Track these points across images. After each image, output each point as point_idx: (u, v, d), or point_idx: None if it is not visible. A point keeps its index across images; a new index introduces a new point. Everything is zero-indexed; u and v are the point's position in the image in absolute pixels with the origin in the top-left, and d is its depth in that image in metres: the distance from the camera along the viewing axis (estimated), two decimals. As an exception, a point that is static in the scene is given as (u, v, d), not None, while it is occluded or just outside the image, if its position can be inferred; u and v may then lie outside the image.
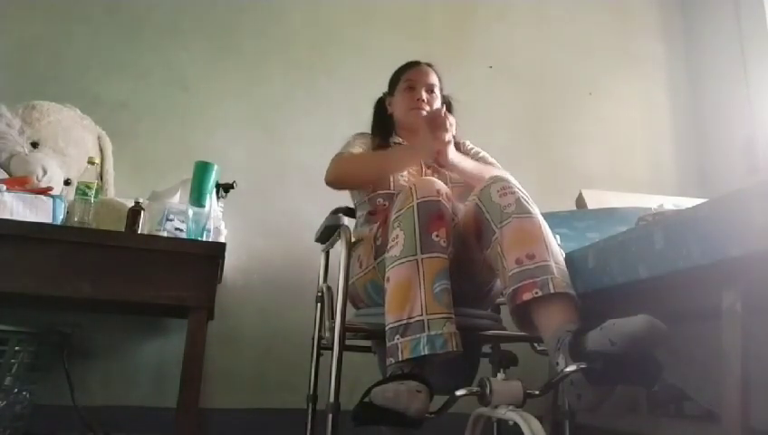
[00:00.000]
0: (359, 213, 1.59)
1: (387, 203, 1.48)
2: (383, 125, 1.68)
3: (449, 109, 1.69)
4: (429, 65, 1.66)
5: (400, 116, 1.64)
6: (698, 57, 2.76)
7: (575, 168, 2.48)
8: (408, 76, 1.63)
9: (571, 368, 0.92)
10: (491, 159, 1.64)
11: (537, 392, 0.98)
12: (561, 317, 1.04)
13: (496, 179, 1.23)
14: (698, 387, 1.36)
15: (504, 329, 1.38)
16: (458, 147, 1.64)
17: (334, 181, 1.52)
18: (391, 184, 1.50)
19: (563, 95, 2.60)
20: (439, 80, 1.66)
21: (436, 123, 1.39)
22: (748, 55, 2.46)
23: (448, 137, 1.39)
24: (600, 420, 1.64)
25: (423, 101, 1.59)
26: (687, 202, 1.75)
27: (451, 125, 1.40)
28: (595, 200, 2.08)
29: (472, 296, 1.31)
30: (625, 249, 1.14)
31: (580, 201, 2.12)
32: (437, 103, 1.63)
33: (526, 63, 2.58)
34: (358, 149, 1.57)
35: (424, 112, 1.57)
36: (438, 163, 1.45)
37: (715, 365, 1.06)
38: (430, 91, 1.62)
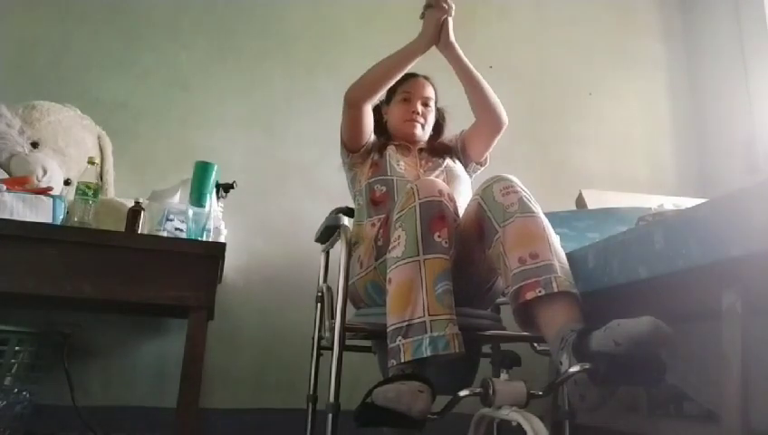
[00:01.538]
0: (358, 202, 1.59)
1: (385, 188, 1.49)
2: (378, 131, 1.69)
3: (442, 122, 1.75)
4: (426, 78, 1.69)
5: (395, 126, 1.66)
6: (698, 57, 2.76)
7: (575, 168, 2.48)
8: (406, 88, 1.65)
9: (576, 368, 0.92)
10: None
11: (540, 393, 0.98)
12: (565, 316, 1.04)
13: (499, 179, 1.23)
14: (698, 387, 1.36)
15: (504, 329, 1.38)
16: (447, 146, 1.67)
17: (354, 91, 1.54)
18: (388, 170, 1.52)
19: (563, 95, 2.60)
20: (435, 92, 1.69)
21: None
22: (748, 55, 2.46)
23: (450, 11, 1.50)
24: (600, 420, 1.64)
25: (418, 113, 1.62)
26: (687, 202, 1.75)
27: (450, 7, 1.50)
28: (595, 200, 2.08)
29: (471, 296, 1.31)
30: (625, 249, 1.14)
31: (580, 201, 2.12)
32: (432, 117, 1.68)
33: (526, 63, 2.58)
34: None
35: (418, 125, 1.63)
36: (441, 40, 1.54)
37: (715, 365, 1.06)
38: (425, 104, 1.65)
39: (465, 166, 1.65)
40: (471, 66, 1.56)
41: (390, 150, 1.58)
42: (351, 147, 1.59)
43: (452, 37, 1.54)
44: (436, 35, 1.53)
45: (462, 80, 1.56)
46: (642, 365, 0.90)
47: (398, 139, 1.65)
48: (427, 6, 1.52)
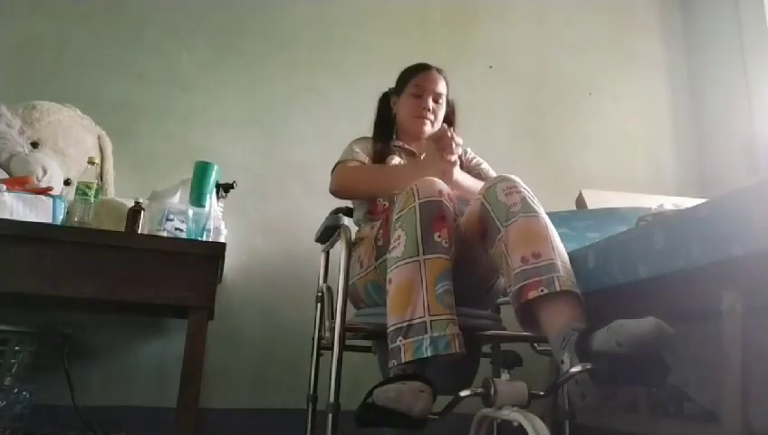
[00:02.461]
0: (357, 212, 1.59)
1: (387, 203, 1.48)
2: (385, 123, 1.68)
3: (452, 114, 1.70)
4: (440, 71, 1.65)
5: (404, 120, 1.64)
6: (698, 57, 2.76)
7: (575, 168, 2.48)
8: (418, 81, 1.61)
9: (577, 368, 0.91)
10: (492, 173, 1.64)
11: (542, 393, 0.98)
12: (567, 316, 1.04)
13: (502, 179, 1.23)
14: (698, 387, 1.36)
15: (505, 329, 1.38)
16: (460, 158, 1.65)
17: (339, 192, 1.55)
18: None
19: (563, 95, 2.60)
20: (447, 86, 1.65)
21: (442, 144, 1.37)
22: (748, 55, 2.46)
23: (454, 158, 1.38)
24: (600, 420, 1.64)
25: (429, 110, 1.60)
26: (687, 202, 1.75)
27: (457, 145, 1.37)
28: (595, 200, 2.08)
29: (471, 296, 1.31)
30: (625, 249, 1.14)
31: (580, 201, 2.12)
32: (442, 113, 1.64)
33: (526, 63, 2.58)
34: (361, 156, 1.57)
35: (428, 122, 1.59)
36: (444, 181, 1.42)
37: (715, 365, 1.06)
38: (436, 100, 1.62)
39: None
40: (473, 184, 1.46)
41: (394, 160, 1.56)
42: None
43: (456, 177, 1.41)
44: (439, 175, 1.35)
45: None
46: (644, 366, 0.90)
47: (406, 134, 1.63)
48: (433, 140, 1.38)
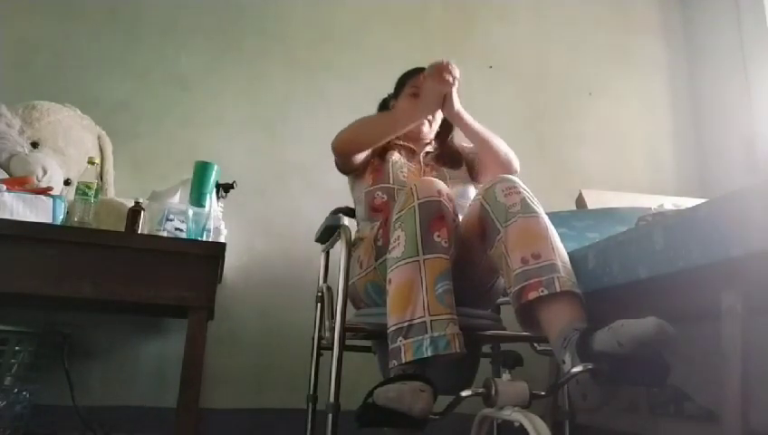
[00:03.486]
0: (358, 209, 1.59)
1: (386, 197, 1.48)
2: None
3: (449, 121, 1.69)
4: None
5: None
6: (698, 57, 2.76)
7: (575, 168, 2.48)
8: (415, 83, 1.60)
9: (578, 368, 0.91)
10: None
11: (543, 393, 0.98)
12: (568, 316, 1.04)
13: (501, 179, 1.22)
14: (698, 387, 1.36)
15: (505, 329, 1.38)
16: (456, 151, 1.65)
17: (341, 144, 1.51)
18: (390, 178, 1.51)
19: (563, 95, 2.60)
20: None
21: (440, 67, 1.37)
22: (748, 55, 2.46)
23: (453, 79, 1.38)
24: (600, 420, 1.64)
25: None
26: (687, 202, 1.75)
27: (455, 78, 1.38)
28: (595, 200, 2.08)
29: (471, 296, 1.31)
30: (625, 249, 1.14)
31: (580, 201, 2.12)
32: (440, 114, 1.63)
33: (526, 63, 2.58)
34: None
35: (425, 122, 1.59)
36: (445, 111, 1.46)
37: (715, 365, 1.06)
38: None
39: (472, 179, 1.62)
40: (479, 128, 1.48)
41: (394, 156, 1.56)
42: (344, 170, 1.59)
43: (457, 107, 1.44)
44: (437, 107, 1.45)
45: (472, 142, 1.52)
46: (645, 366, 0.90)
47: (405, 134, 1.63)
48: (429, 74, 1.40)
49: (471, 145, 1.66)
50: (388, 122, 1.49)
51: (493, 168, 1.51)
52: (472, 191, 1.55)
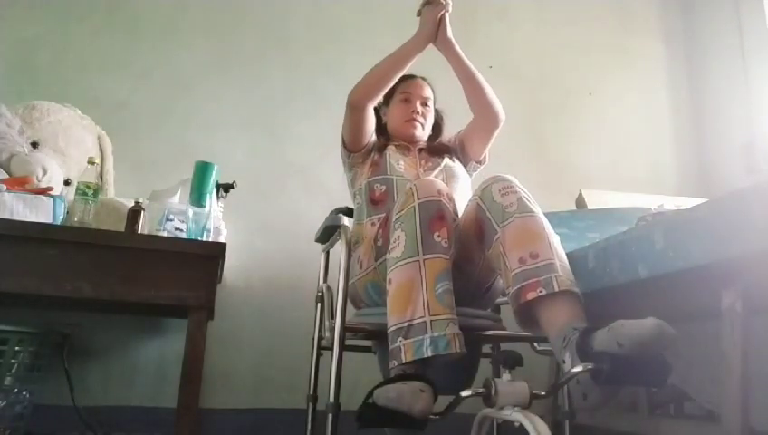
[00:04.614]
0: (357, 201, 1.59)
1: (384, 187, 1.50)
2: (377, 133, 1.69)
3: (441, 122, 1.75)
4: (424, 79, 1.70)
5: (395, 126, 1.66)
6: (698, 57, 2.76)
7: (575, 168, 2.48)
8: (405, 89, 1.65)
9: (578, 369, 0.91)
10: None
11: (543, 393, 0.97)
12: (567, 315, 1.04)
13: (497, 179, 1.22)
14: (698, 387, 1.36)
15: (505, 329, 1.38)
16: (445, 145, 1.68)
17: (358, 93, 1.55)
18: (388, 170, 1.52)
19: (563, 95, 2.60)
20: (433, 93, 1.70)
21: None
22: (748, 56, 2.46)
23: (448, 6, 1.50)
24: (600, 420, 1.64)
25: (418, 113, 1.63)
26: (687, 202, 1.75)
27: (448, 2, 1.50)
28: (595, 200, 2.09)
29: (471, 296, 1.31)
30: (625, 249, 1.14)
31: (580, 201, 2.12)
32: (431, 117, 1.69)
33: (526, 63, 2.58)
34: None
35: (418, 125, 1.63)
36: (439, 38, 1.53)
37: (715, 365, 1.06)
38: (425, 104, 1.66)
39: (465, 165, 1.65)
40: (469, 63, 1.56)
41: (390, 150, 1.58)
42: (353, 147, 1.60)
43: (449, 34, 1.54)
44: (433, 32, 1.52)
45: (460, 77, 1.56)
46: (645, 366, 0.89)
47: (398, 140, 1.65)
48: (425, 3, 1.52)
49: (454, 135, 1.70)
50: (394, 57, 1.55)
51: (479, 109, 1.58)
52: (466, 181, 1.59)
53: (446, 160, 1.59)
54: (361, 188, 1.55)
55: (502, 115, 1.58)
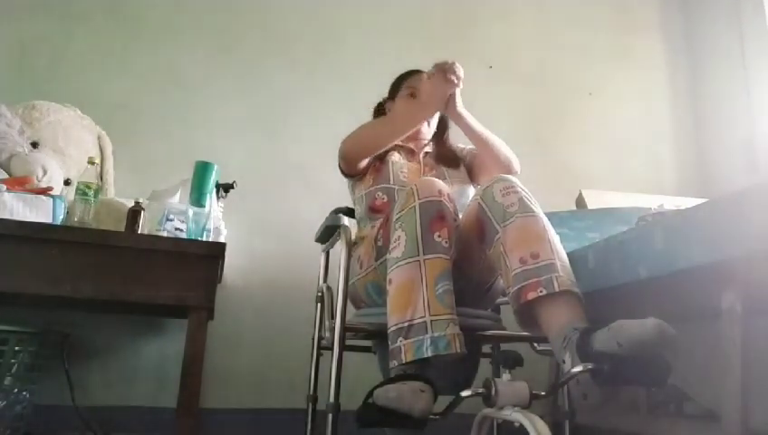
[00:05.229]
0: (357, 208, 1.59)
1: (386, 197, 1.48)
2: None
3: (445, 120, 1.71)
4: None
5: None
6: (698, 57, 2.76)
7: (575, 168, 2.48)
8: (411, 83, 1.62)
9: (578, 369, 0.91)
10: None
11: (543, 393, 0.97)
12: (567, 315, 1.04)
13: (499, 179, 1.22)
14: (698, 387, 1.36)
15: (505, 329, 1.38)
16: (453, 151, 1.65)
17: (349, 150, 1.51)
18: (390, 178, 1.51)
19: (563, 95, 2.60)
20: None
21: (444, 66, 1.39)
22: (748, 55, 2.46)
23: (459, 83, 1.40)
24: (600, 420, 1.64)
25: None
26: (687, 202, 1.75)
27: (459, 78, 1.40)
28: (595, 200, 2.08)
29: (471, 296, 1.31)
30: (625, 249, 1.14)
31: (580, 201, 2.12)
32: (437, 114, 1.64)
33: (526, 63, 2.58)
34: None
35: (423, 122, 1.58)
36: (448, 112, 1.47)
37: (715, 365, 1.06)
38: None
39: (471, 180, 1.62)
40: (480, 129, 1.49)
41: (394, 156, 1.56)
42: (350, 173, 1.58)
43: (460, 108, 1.45)
44: (441, 106, 1.45)
45: (472, 141, 1.52)
46: (645, 366, 0.89)
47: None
48: (435, 72, 1.41)
49: (467, 146, 1.67)
50: (392, 127, 1.50)
51: (492, 169, 1.52)
52: (471, 191, 1.55)
53: (452, 172, 1.56)
54: (362, 196, 1.54)
55: (516, 168, 1.53)
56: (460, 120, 1.48)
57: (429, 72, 1.43)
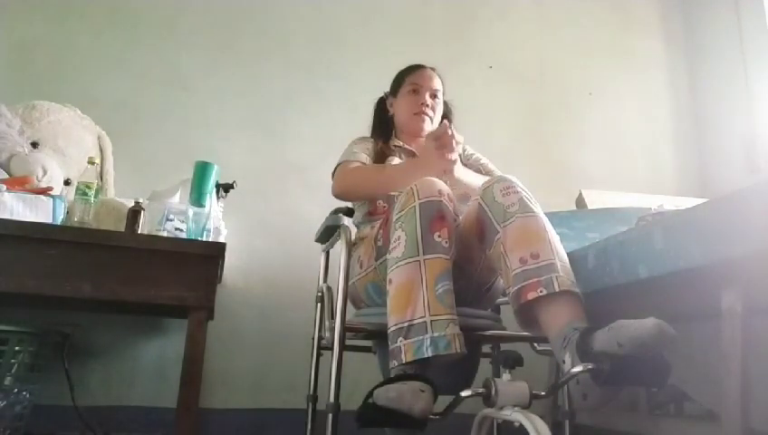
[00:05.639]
0: (357, 212, 1.59)
1: (386, 205, 1.48)
2: (383, 126, 1.67)
3: (449, 114, 1.70)
4: (433, 69, 1.65)
5: (403, 119, 1.64)
6: (698, 57, 2.76)
7: (575, 168, 2.48)
8: (413, 79, 1.62)
9: (578, 369, 0.91)
10: (492, 166, 1.64)
11: (543, 393, 0.97)
12: (567, 315, 1.04)
13: (499, 179, 1.22)
14: (698, 387, 1.36)
15: (505, 329, 1.38)
16: (459, 156, 1.65)
17: (341, 195, 1.54)
18: None
19: (563, 95, 2.60)
20: (442, 84, 1.65)
21: (442, 141, 1.36)
22: (748, 55, 2.46)
23: (454, 156, 1.37)
24: (600, 420, 1.64)
25: (427, 105, 1.60)
26: (687, 202, 1.75)
27: (458, 144, 1.37)
28: (595, 200, 2.09)
29: (471, 296, 1.31)
30: (625, 249, 1.14)
31: (580, 201, 2.12)
32: (440, 110, 1.65)
33: (526, 63, 2.58)
34: (362, 156, 1.55)
35: (427, 118, 1.59)
36: (446, 176, 1.41)
37: (715, 365, 1.06)
38: (434, 96, 1.62)
39: None
40: (475, 180, 1.44)
41: (394, 161, 1.55)
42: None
43: (457, 174, 1.41)
44: (441, 173, 1.36)
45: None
46: (645, 367, 0.89)
47: (405, 133, 1.63)
48: (432, 141, 1.37)
49: (474, 153, 1.67)
50: (387, 185, 1.44)
51: None
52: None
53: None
54: (363, 202, 1.54)
55: None
56: (458, 186, 1.42)
57: (427, 141, 1.40)
